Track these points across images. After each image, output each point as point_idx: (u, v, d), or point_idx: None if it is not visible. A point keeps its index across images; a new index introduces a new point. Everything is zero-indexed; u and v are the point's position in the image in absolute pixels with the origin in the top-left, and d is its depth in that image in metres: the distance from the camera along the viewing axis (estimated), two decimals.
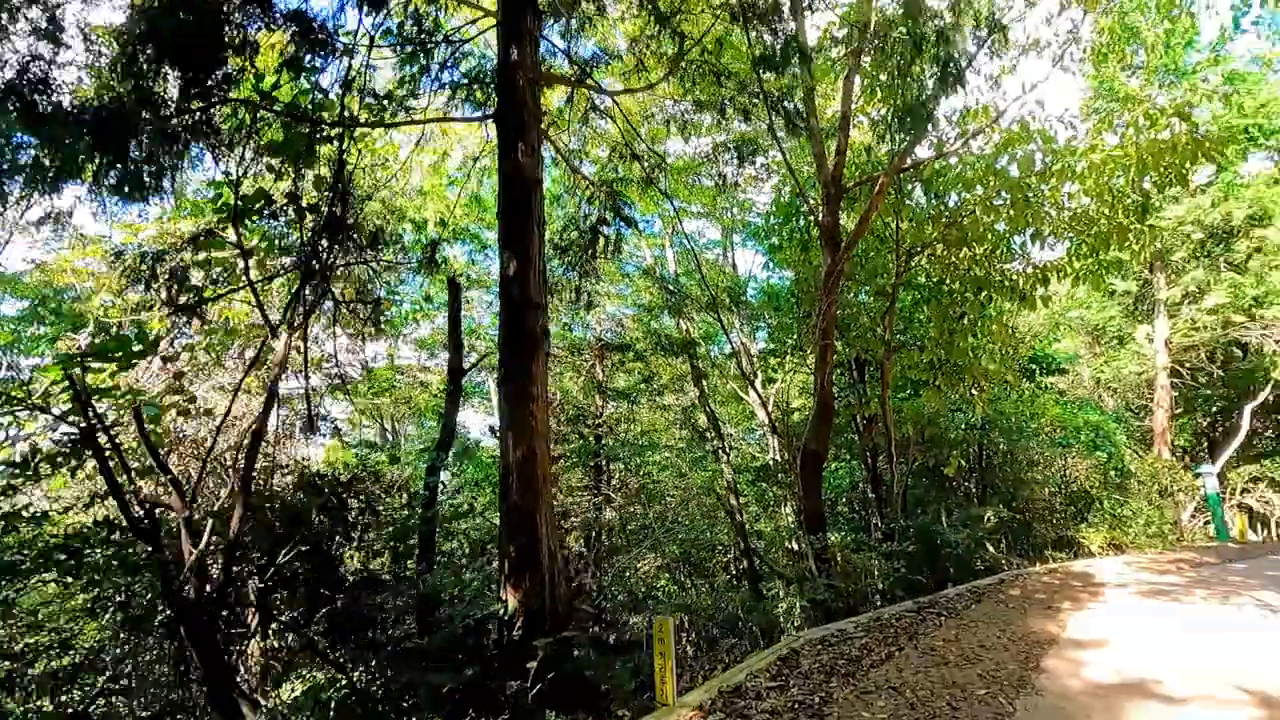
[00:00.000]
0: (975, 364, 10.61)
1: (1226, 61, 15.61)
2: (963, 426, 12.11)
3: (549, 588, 5.14)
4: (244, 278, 5.53)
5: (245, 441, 5.06)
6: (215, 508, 7.09)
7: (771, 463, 12.26)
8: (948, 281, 11.45)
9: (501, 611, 5.10)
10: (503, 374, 5.23)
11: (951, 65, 8.52)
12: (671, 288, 12.40)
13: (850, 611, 7.58)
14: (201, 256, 5.00)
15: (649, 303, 13.60)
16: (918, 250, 11.03)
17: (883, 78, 10.67)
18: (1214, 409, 19.06)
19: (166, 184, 4.97)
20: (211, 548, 5.09)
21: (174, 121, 4.69)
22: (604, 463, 13.09)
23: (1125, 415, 16.58)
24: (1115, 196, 9.65)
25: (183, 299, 4.83)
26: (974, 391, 11.17)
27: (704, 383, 13.11)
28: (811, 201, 10.58)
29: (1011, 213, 9.86)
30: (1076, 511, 12.09)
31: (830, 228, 9.92)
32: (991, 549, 12.27)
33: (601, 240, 8.07)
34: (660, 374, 14.25)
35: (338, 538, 7.16)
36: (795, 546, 12.96)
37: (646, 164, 8.33)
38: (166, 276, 4.75)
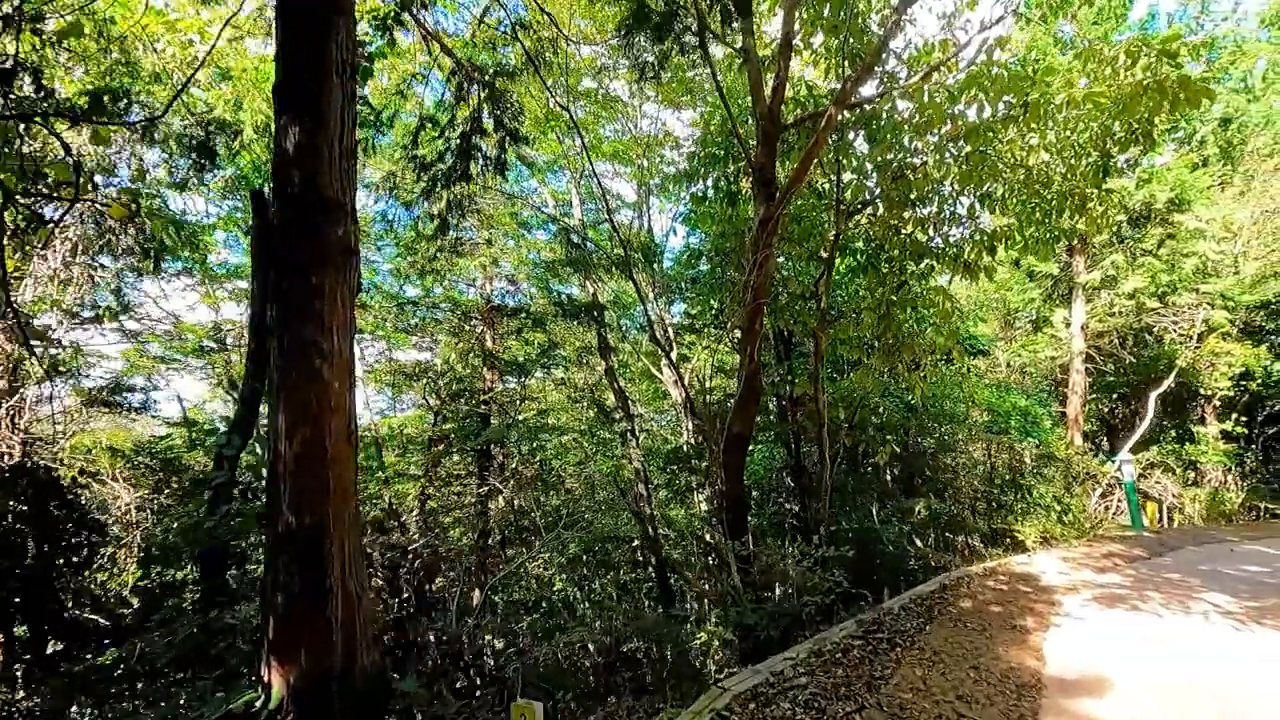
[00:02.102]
0: (917, 337, 9.38)
1: (1154, 39, 15.26)
2: (897, 409, 10.97)
3: (345, 656, 3.19)
4: None
5: None
6: None
7: (686, 446, 10.67)
8: (888, 248, 10.18)
9: (260, 702, 3.11)
10: (275, 314, 3.20)
11: None
12: (576, 238, 10.45)
13: (784, 639, 6.06)
14: None
15: (551, 259, 11.53)
16: (858, 208, 9.66)
17: (826, 12, 9.18)
18: (1115, 395, 19.30)
19: None
20: None
21: None
22: (491, 446, 11.08)
23: (1047, 400, 16.33)
24: (1076, 153, 8.60)
25: None
26: (912, 370, 9.99)
27: (611, 355, 11.35)
28: (742, 147, 8.93)
29: (965, 167, 8.60)
30: (1007, 502, 11.28)
31: (765, 170, 8.31)
32: (920, 543, 11.29)
33: (478, 159, 6.05)
34: (563, 344, 12.34)
35: (63, 558, 4.89)
36: (710, 539, 11.55)
37: (539, 38, 6.27)
38: None
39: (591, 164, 8.10)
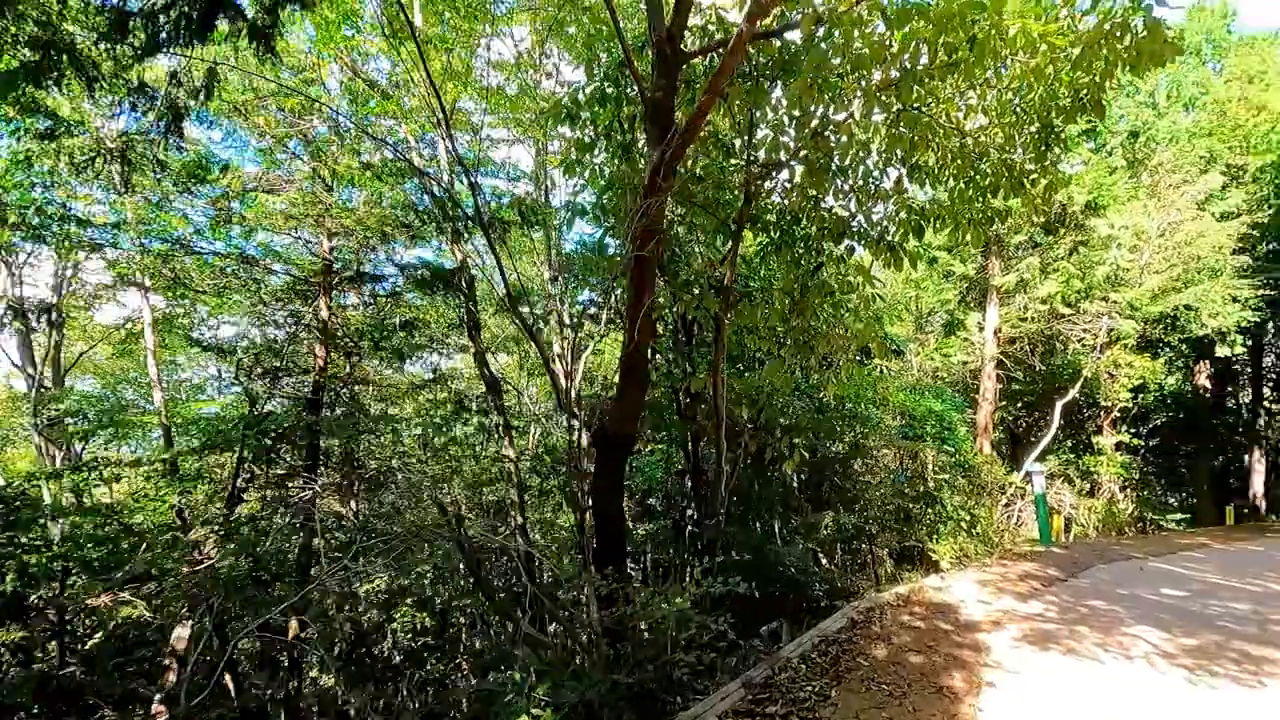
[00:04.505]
0: (834, 327, 8.06)
1: None
2: (807, 410, 9.65)
3: None
4: None
5: None
6: None
7: (568, 448, 8.92)
8: (804, 223, 8.83)
9: None
10: None
11: None
12: (435, 189, 8.35)
13: (642, 716, 4.41)
14: None
15: (403, 214, 9.25)
16: (772, 171, 8.24)
17: None
18: (1019, 404, 19.12)
19: None
20: None
21: None
22: (321, 439, 8.90)
23: (961, 405, 15.70)
24: (1017, 119, 7.48)
25: None
26: (826, 366, 8.67)
27: (481, 335, 9.43)
28: (636, 81, 7.27)
29: (895, 129, 7.29)
30: (920, 514, 10.20)
31: (662, 104, 6.69)
32: (826, 561, 10.04)
33: (230, 13, 4.08)
34: (428, 320, 10.30)
35: None
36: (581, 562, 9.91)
37: None
38: None
39: (435, 88, 6.14)
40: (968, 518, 11.18)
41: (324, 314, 9.10)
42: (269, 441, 9.30)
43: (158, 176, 7.03)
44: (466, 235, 9.23)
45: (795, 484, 11.63)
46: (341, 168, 8.91)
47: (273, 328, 9.31)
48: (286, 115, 8.42)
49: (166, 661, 7.74)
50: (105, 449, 12.01)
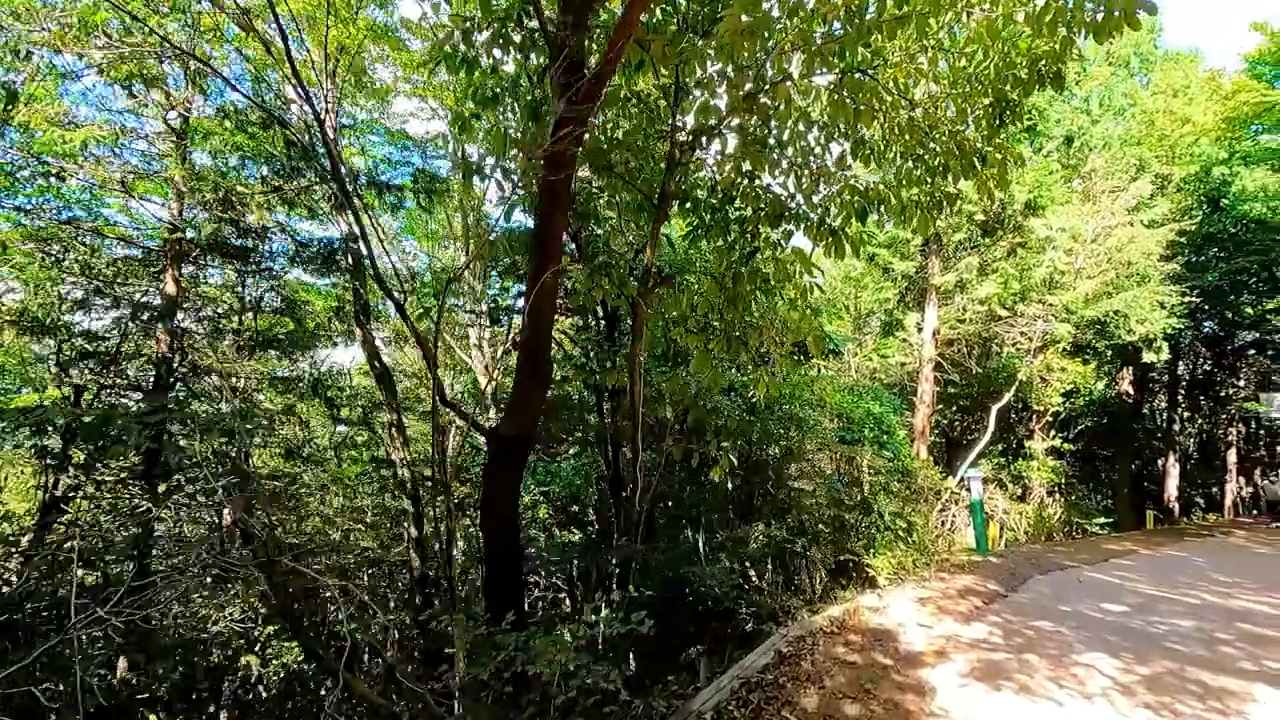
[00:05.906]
0: (768, 319, 7.15)
1: None
2: (737, 411, 8.73)
3: None
4: None
5: None
6: None
7: (432, 456, 7.68)
8: (739, 202, 7.92)
9: None
10: None
11: None
12: (305, 141, 6.94)
13: None
14: None
15: (265, 165, 7.72)
16: (702, 139, 7.28)
17: None
18: (955, 407, 18.92)
19: None
20: None
21: None
22: (164, 439, 7.40)
23: (900, 408, 15.20)
24: (971, 90, 6.76)
25: None
26: (759, 364, 7.78)
27: (370, 317, 8.12)
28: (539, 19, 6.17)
29: (838, 96, 6.44)
30: (856, 525, 9.44)
31: (569, 49, 5.59)
32: (756, 578, 9.17)
33: None
34: (311, 304, 8.89)
35: None
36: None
37: None
38: None
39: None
40: (904, 525, 10.53)
41: (170, 290, 7.53)
42: (107, 442, 7.71)
43: None
44: (360, 204, 7.89)
45: (726, 491, 10.75)
46: (196, 119, 7.36)
47: (111, 306, 7.69)
48: (109, 40, 6.77)
49: None
50: None
